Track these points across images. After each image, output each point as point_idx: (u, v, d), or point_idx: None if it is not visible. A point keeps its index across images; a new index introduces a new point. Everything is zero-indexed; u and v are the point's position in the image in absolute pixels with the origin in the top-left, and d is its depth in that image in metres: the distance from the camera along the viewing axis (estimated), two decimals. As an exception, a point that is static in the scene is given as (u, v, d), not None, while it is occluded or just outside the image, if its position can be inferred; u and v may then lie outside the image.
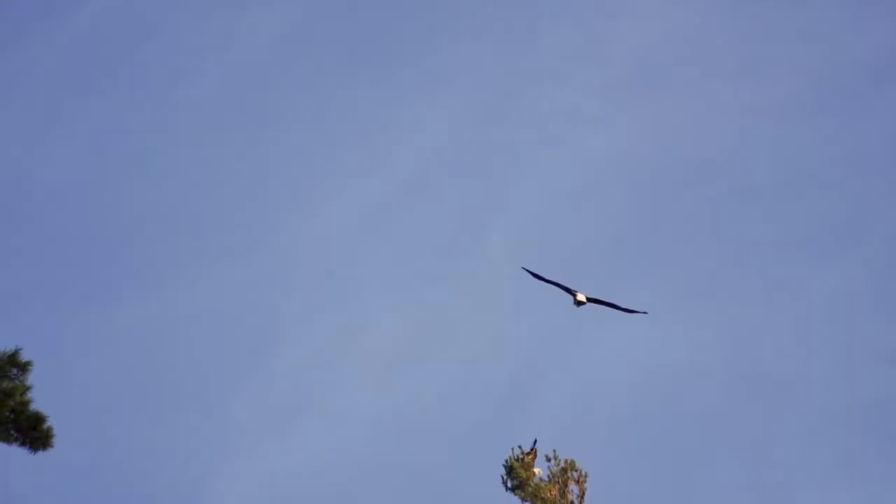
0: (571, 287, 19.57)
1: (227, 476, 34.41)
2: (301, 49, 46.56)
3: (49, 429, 17.37)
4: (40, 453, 17.45)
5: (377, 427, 36.23)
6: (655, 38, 47.20)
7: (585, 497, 18.93)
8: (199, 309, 40.68)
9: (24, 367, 17.29)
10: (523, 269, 19.39)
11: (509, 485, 18.96)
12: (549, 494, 18.73)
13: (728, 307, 41.85)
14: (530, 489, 18.77)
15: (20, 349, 17.23)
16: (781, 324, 40.93)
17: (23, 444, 17.30)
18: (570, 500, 18.82)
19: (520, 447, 19.20)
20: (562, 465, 19.13)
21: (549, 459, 19.24)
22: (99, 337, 38.61)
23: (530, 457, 19.07)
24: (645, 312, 19.58)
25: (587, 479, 19.01)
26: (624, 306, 19.57)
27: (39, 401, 17.29)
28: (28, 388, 17.27)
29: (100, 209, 43.11)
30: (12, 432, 17.23)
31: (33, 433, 17.27)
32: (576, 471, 19.07)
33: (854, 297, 41.32)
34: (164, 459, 34.40)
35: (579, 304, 19.40)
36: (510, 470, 18.93)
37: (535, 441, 19.12)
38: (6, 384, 17.12)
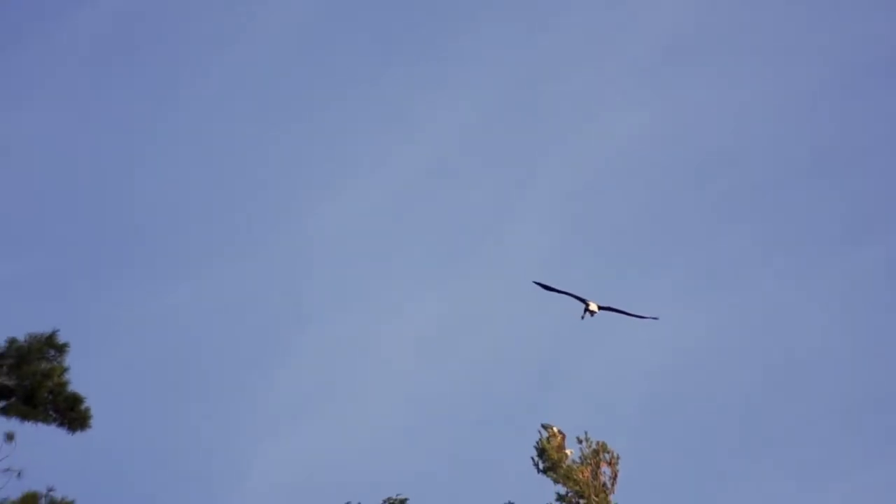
0: (583, 297, 19.56)
1: (259, 461, 34.76)
2: (324, 34, 46.74)
3: (87, 409, 17.66)
4: (78, 434, 17.72)
5: (408, 411, 36.41)
6: (678, 24, 46.93)
7: (617, 479, 18.90)
8: (232, 295, 41.11)
9: (61, 349, 17.57)
10: (535, 283, 19.41)
11: (541, 467, 18.95)
12: (581, 476, 18.71)
13: (758, 292, 41.63)
14: (562, 471, 18.76)
15: (57, 331, 17.51)
16: (811, 308, 40.62)
17: (61, 424, 17.58)
18: (602, 482, 18.79)
19: (550, 426, 19.20)
20: (593, 447, 19.10)
21: (580, 441, 19.21)
22: (134, 321, 39.13)
23: (558, 439, 19.06)
24: (655, 318, 19.58)
25: (619, 461, 18.97)
26: (636, 313, 19.59)
27: (77, 383, 17.58)
28: (66, 370, 17.55)
29: (138, 196, 43.59)
30: (51, 413, 17.50)
31: (71, 414, 17.55)
32: (608, 452, 19.04)
33: (884, 281, 40.91)
34: (199, 444, 34.80)
35: (592, 313, 19.42)
36: (542, 452, 18.93)
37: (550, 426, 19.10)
38: (44, 365, 17.40)
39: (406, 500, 16.83)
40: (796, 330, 40.02)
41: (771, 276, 41.99)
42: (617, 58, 46.88)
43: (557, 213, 44.23)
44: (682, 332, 39.57)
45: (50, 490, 17.10)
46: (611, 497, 18.69)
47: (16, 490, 16.87)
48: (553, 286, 19.40)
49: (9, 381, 17.26)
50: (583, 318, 19.37)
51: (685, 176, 45.05)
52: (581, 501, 18.58)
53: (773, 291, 41.52)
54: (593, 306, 19.42)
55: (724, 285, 41.84)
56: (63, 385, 17.51)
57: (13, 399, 17.36)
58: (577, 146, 45.77)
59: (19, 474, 16.96)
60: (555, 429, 19.03)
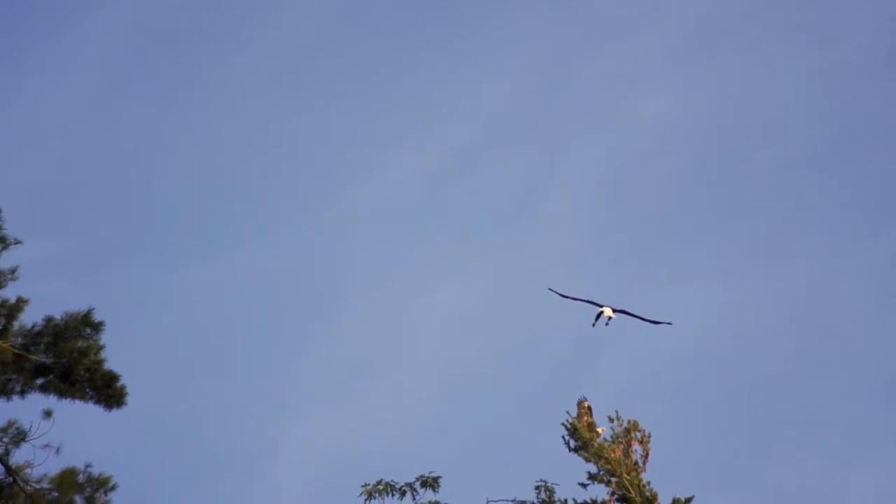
0: (598, 302, 19.37)
1: (293, 438, 35.13)
2: (356, 13, 46.84)
3: (122, 387, 18.02)
4: (114, 411, 18.06)
5: (441, 390, 36.50)
6: (709, 2, 46.19)
7: (649, 458, 18.70)
8: (266, 275, 41.54)
9: (96, 327, 17.94)
10: (549, 289, 19.27)
11: (572, 445, 18.84)
12: (612, 455, 18.55)
13: (791, 270, 40.93)
14: (594, 450, 18.62)
15: (93, 309, 17.88)
16: (844, 287, 39.78)
17: (98, 402, 17.93)
18: (633, 461, 18.60)
19: (582, 402, 19.07)
20: (625, 425, 18.92)
21: (611, 420, 19.04)
22: (168, 299, 39.79)
23: (586, 418, 18.91)
24: (669, 323, 19.33)
25: (651, 439, 18.77)
26: (650, 318, 19.41)
27: (112, 360, 17.91)
28: (101, 348, 17.92)
29: (174, 174, 44.22)
30: (87, 390, 17.85)
31: (107, 391, 17.90)
32: (639, 431, 18.82)
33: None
34: (232, 421, 35.27)
35: (608, 319, 19.24)
36: (573, 431, 18.82)
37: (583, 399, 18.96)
38: (80, 343, 17.76)
39: (439, 478, 16.86)
40: (829, 308, 39.28)
41: (804, 254, 41.27)
42: (647, 38, 46.31)
43: (590, 193, 43.93)
44: (714, 310, 39.17)
45: (87, 466, 17.47)
46: (642, 475, 18.50)
47: (55, 466, 17.27)
48: (567, 294, 19.26)
49: (46, 359, 17.70)
50: (594, 325, 19.19)
51: (718, 155, 44.43)
52: (613, 479, 18.42)
53: (806, 269, 40.83)
54: (608, 311, 19.23)
55: (756, 263, 41.22)
56: (99, 363, 17.89)
57: (51, 377, 17.79)
58: (609, 126, 45.36)
59: (58, 451, 17.34)
60: (585, 404, 18.90)
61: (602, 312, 19.18)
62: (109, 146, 44.50)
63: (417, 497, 16.40)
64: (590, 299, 19.23)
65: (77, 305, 18.00)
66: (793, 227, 41.99)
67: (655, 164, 44.09)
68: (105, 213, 43.00)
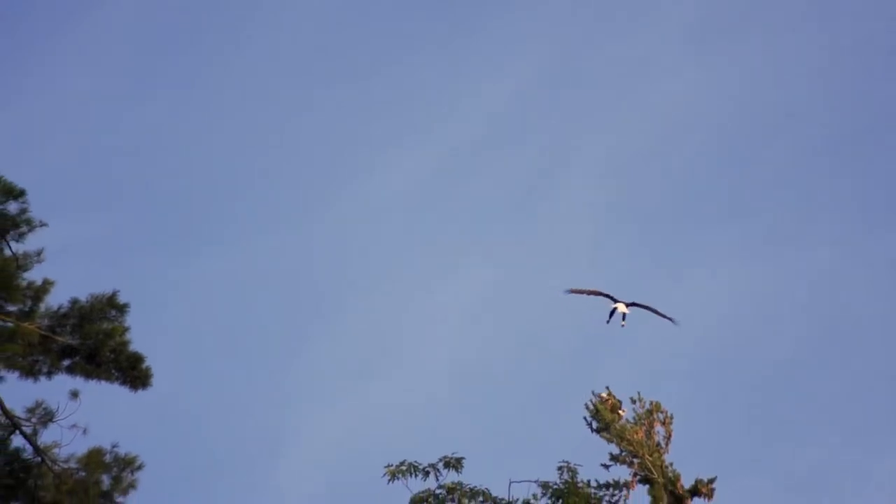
0: (613, 296, 19.40)
1: (300, 433, 35.31)
2: (360, 13, 46.79)
3: (148, 368, 18.18)
4: (140, 392, 18.21)
5: (458, 375, 36.62)
6: None
7: (671, 439, 18.75)
8: (270, 271, 41.68)
9: (121, 310, 18.08)
10: (568, 291, 19.31)
11: (594, 427, 18.89)
12: (634, 436, 18.60)
13: (812, 253, 40.83)
14: (616, 431, 18.68)
15: (118, 292, 18.01)
16: (859, 272, 39.66)
17: (123, 383, 18.08)
18: (656, 442, 18.65)
19: (607, 389, 19.13)
20: (647, 406, 18.97)
21: (633, 402, 19.09)
22: (171, 297, 39.97)
23: (610, 402, 18.98)
24: (674, 321, 19.40)
25: (673, 420, 18.81)
26: (661, 311, 19.42)
27: (137, 343, 18.05)
28: (126, 329, 18.04)
29: (181, 170, 44.39)
30: (113, 371, 18.00)
31: (133, 372, 18.05)
32: (661, 412, 18.87)
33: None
34: (249, 406, 35.48)
35: (623, 315, 19.26)
36: (595, 413, 18.87)
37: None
38: (106, 325, 17.90)
39: (462, 458, 16.93)
40: (841, 296, 39.18)
41: (816, 242, 41.15)
42: (654, 29, 46.09)
43: (607, 178, 43.87)
44: (726, 298, 39.13)
45: (114, 446, 17.63)
46: (664, 456, 18.55)
47: (82, 446, 17.43)
48: (583, 289, 19.28)
49: (72, 341, 17.85)
50: (608, 321, 19.23)
51: (736, 139, 44.26)
52: (635, 461, 18.48)
53: (818, 258, 40.71)
54: (622, 307, 19.25)
55: (768, 252, 41.14)
56: (124, 344, 18.04)
57: (77, 358, 17.94)
58: (616, 118, 45.26)
59: (85, 431, 17.50)
60: (607, 395, 18.94)
61: (616, 309, 19.22)
62: (126, 136, 44.74)
63: (440, 478, 16.47)
64: (605, 292, 19.26)
65: (102, 289, 18.14)
66: (805, 216, 41.88)
67: (664, 154, 44.00)
68: (128, 201, 43.23)
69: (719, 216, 42.36)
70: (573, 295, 19.33)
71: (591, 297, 19.45)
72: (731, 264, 40.64)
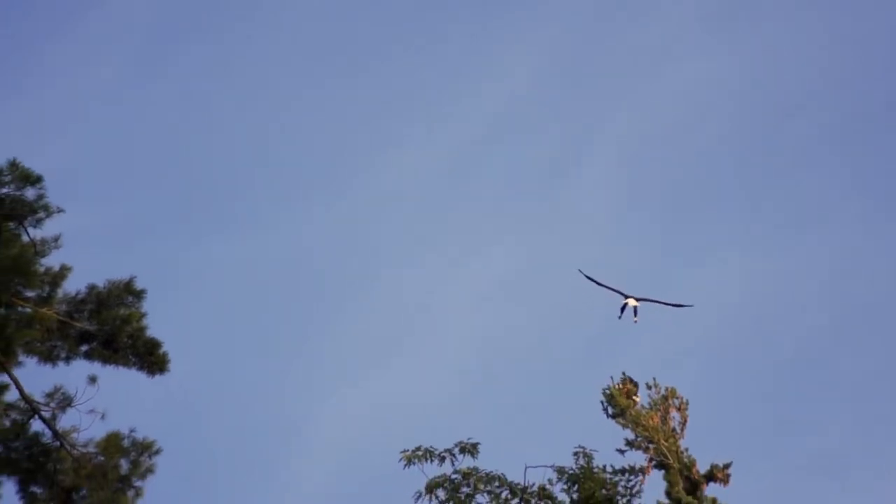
0: (624, 292, 19.39)
1: (327, 408, 35.48)
2: None
3: (165, 354, 18.28)
4: (157, 377, 18.32)
5: (477, 361, 36.70)
6: None
7: (687, 424, 18.79)
8: (299, 246, 41.79)
9: (138, 295, 18.19)
10: (580, 271, 19.31)
11: (610, 412, 18.94)
12: (650, 422, 18.65)
13: (831, 237, 40.74)
14: (631, 416, 18.72)
15: (134, 278, 18.11)
16: (882, 255, 39.53)
17: (140, 368, 18.19)
18: (671, 427, 18.70)
19: (623, 374, 19.17)
20: (663, 392, 19.01)
21: (649, 388, 19.13)
22: (199, 274, 40.15)
23: (628, 386, 19.01)
24: (691, 306, 19.32)
25: (688, 406, 18.85)
26: (672, 302, 19.39)
27: (154, 329, 18.15)
28: (143, 315, 18.15)
29: (217, 146, 44.49)
30: (130, 357, 18.11)
31: (150, 358, 18.15)
32: (677, 398, 18.92)
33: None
34: (266, 391, 35.65)
35: (634, 308, 19.26)
36: (610, 398, 18.92)
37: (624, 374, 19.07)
38: (123, 311, 18.01)
39: (478, 444, 16.99)
40: (863, 279, 39.11)
41: (844, 222, 41.05)
42: (679, 7, 45.89)
43: (628, 161, 43.81)
44: (747, 281, 39.12)
45: (132, 431, 17.76)
46: (680, 442, 18.59)
47: (100, 430, 17.56)
48: (598, 280, 19.28)
49: (90, 326, 17.96)
50: (620, 317, 19.22)
51: (757, 122, 44.11)
52: (650, 446, 18.52)
53: (840, 240, 40.61)
54: (632, 302, 19.26)
55: (797, 230, 41.07)
56: (141, 330, 18.14)
57: (95, 343, 18.06)
58: (643, 96, 45.15)
59: (103, 416, 17.62)
60: (623, 380, 18.98)
61: (626, 304, 19.24)
62: (143, 118, 44.82)
63: (456, 463, 16.53)
64: (616, 288, 19.27)
65: (119, 275, 18.25)
66: (822, 201, 41.74)
67: (682, 139, 43.89)
68: (147, 185, 43.40)
69: (736, 201, 42.31)
70: (586, 279, 19.32)
71: (604, 289, 19.45)
72: (749, 249, 40.59)
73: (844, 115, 43.65)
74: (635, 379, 19.25)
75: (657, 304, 19.34)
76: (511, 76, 45.66)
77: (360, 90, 45.54)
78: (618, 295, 19.45)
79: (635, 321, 19.38)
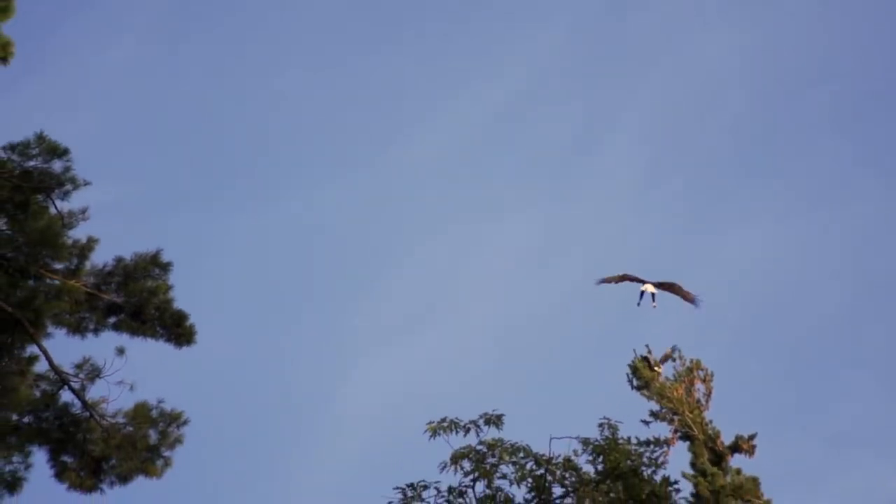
0: (641, 278, 19.34)
1: (357, 382, 35.67)
2: None
3: (192, 326, 18.46)
4: (185, 349, 18.50)
5: (503, 333, 36.78)
6: None
7: (712, 396, 18.82)
8: (327, 216, 41.90)
9: (165, 268, 18.35)
10: (596, 283, 19.30)
11: (634, 384, 19.00)
12: (674, 394, 18.70)
13: (851, 209, 40.51)
14: (656, 389, 18.77)
15: (161, 250, 18.27)
16: None
17: (168, 340, 18.37)
18: (696, 399, 18.74)
19: (647, 347, 19.20)
20: (687, 364, 19.04)
21: (674, 359, 19.17)
22: (233, 241, 40.33)
23: (658, 366, 19.05)
24: (701, 301, 19.23)
25: (713, 378, 18.88)
26: (686, 290, 19.31)
27: (181, 300, 18.32)
28: (170, 288, 18.32)
29: (244, 118, 44.56)
30: (158, 329, 18.30)
31: (177, 330, 18.33)
32: (702, 370, 18.94)
33: None
34: (294, 364, 35.89)
35: (653, 295, 19.21)
36: (635, 370, 18.98)
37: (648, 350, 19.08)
38: (150, 283, 18.17)
39: (503, 415, 17.09)
40: (889, 249, 38.89)
41: (870, 192, 40.81)
42: None
43: (652, 134, 43.65)
44: (773, 251, 38.98)
45: (160, 402, 17.96)
46: (704, 414, 18.64)
47: (129, 402, 17.77)
48: (611, 278, 19.26)
49: (117, 298, 18.15)
50: (639, 304, 19.20)
51: (780, 93, 43.79)
52: (675, 418, 18.58)
53: (872, 208, 40.38)
54: (650, 288, 19.22)
55: (816, 204, 40.88)
56: (168, 302, 18.31)
57: (122, 315, 18.25)
58: (668, 68, 44.89)
59: (132, 387, 17.83)
60: (650, 358, 19.02)
61: (644, 291, 19.22)
62: (169, 90, 44.94)
63: (481, 434, 16.64)
64: (631, 276, 19.25)
65: (147, 248, 18.41)
66: (847, 172, 41.48)
67: (718, 103, 43.64)
68: (170, 157, 43.59)
69: (761, 173, 42.09)
70: (601, 284, 19.36)
71: (621, 282, 19.47)
72: (773, 222, 40.44)
73: (869, 85, 43.31)
74: (660, 351, 19.30)
75: (674, 294, 19.32)
76: (534, 52, 45.54)
77: (387, 63, 45.50)
78: (636, 283, 19.45)
79: (654, 306, 19.38)
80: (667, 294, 19.47)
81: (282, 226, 42.05)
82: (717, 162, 42.76)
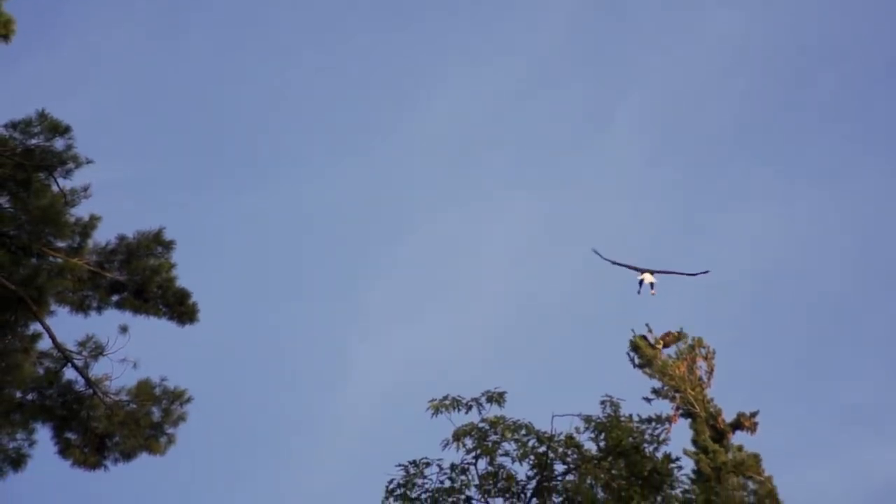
0: (639, 267, 19.29)
1: (361, 360, 35.78)
2: None
3: (194, 304, 18.50)
4: (187, 327, 18.53)
5: (508, 312, 36.85)
6: None
7: (713, 373, 18.88)
8: (333, 197, 41.96)
9: (168, 246, 18.36)
10: (594, 251, 19.23)
11: (636, 363, 19.06)
12: (676, 371, 18.76)
13: (857, 189, 40.50)
14: (658, 366, 18.83)
15: (164, 229, 18.28)
16: None
17: (171, 318, 18.40)
18: (698, 376, 18.81)
19: (646, 327, 19.24)
20: (690, 342, 19.09)
21: (677, 339, 19.22)
22: (237, 221, 40.35)
23: (660, 343, 19.09)
24: (706, 272, 19.14)
25: (715, 355, 18.93)
26: (687, 272, 19.26)
27: (188, 282, 18.35)
28: (173, 266, 18.33)
29: (249, 97, 44.55)
30: (161, 307, 18.32)
31: (180, 308, 18.36)
32: (703, 347, 19.00)
33: None
34: (299, 343, 35.98)
35: (651, 284, 19.15)
36: (636, 348, 19.04)
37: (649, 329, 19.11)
38: (153, 262, 18.18)
39: (505, 393, 17.13)
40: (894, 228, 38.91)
41: (878, 171, 40.76)
42: None
43: (657, 114, 43.60)
44: (779, 230, 38.99)
45: (163, 379, 18.01)
46: (706, 391, 18.70)
47: (132, 379, 17.83)
48: (610, 258, 19.23)
49: (120, 277, 18.16)
50: (639, 292, 19.16)
51: (784, 75, 43.71)
52: (677, 395, 18.65)
53: (878, 187, 40.37)
54: (648, 277, 19.17)
55: (822, 182, 40.86)
56: (171, 280, 18.34)
57: (125, 293, 18.27)
58: (671, 49, 44.79)
59: (135, 364, 17.87)
60: (652, 337, 19.05)
61: (643, 280, 19.21)
62: (172, 72, 44.88)
63: (483, 412, 16.67)
64: (630, 264, 19.24)
65: (145, 226, 18.42)
66: (850, 152, 41.43)
67: (723, 82, 43.55)
68: (174, 139, 43.58)
69: (764, 154, 42.05)
70: (605, 262, 19.33)
71: (620, 267, 19.44)
72: (779, 200, 40.44)
73: (871, 68, 43.19)
74: (662, 330, 19.35)
75: (674, 275, 19.32)
76: (536, 37, 45.42)
77: (389, 48, 45.41)
78: (634, 271, 19.44)
79: (653, 294, 19.37)
80: (667, 276, 19.47)
81: (285, 207, 42.11)
82: (720, 143, 42.72)
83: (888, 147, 41.37)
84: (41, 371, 17.52)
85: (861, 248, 38.62)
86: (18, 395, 17.35)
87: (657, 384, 18.82)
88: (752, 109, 43.20)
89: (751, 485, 17.38)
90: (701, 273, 19.02)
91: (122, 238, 18.26)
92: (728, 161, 42.11)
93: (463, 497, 15.95)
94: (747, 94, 43.45)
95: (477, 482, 16.07)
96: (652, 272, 19.32)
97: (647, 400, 18.45)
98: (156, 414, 17.67)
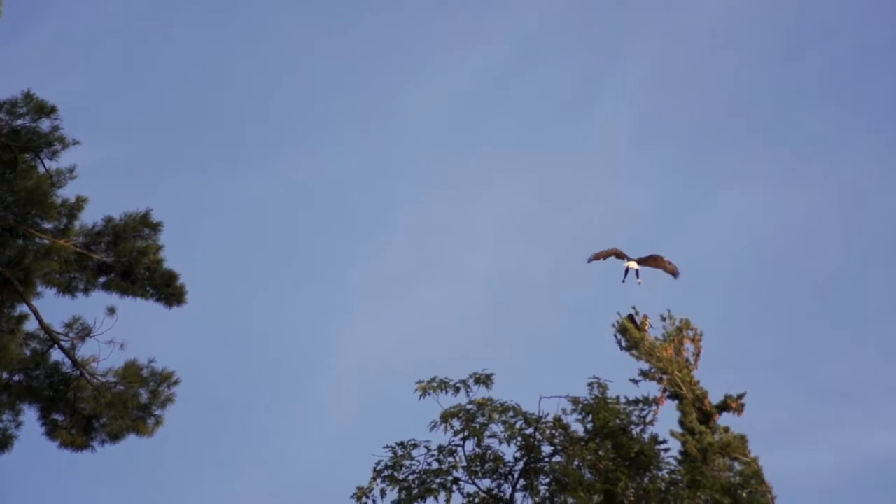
0: (625, 254, 19.26)
1: (346, 341, 35.83)
2: None
3: (182, 286, 18.49)
4: (175, 309, 18.54)
5: (495, 293, 36.93)
6: None
7: (701, 355, 18.94)
8: (318, 177, 41.90)
9: (155, 228, 18.33)
10: (588, 261, 19.19)
11: (623, 345, 19.09)
12: (664, 353, 18.80)
13: (847, 168, 40.61)
14: (645, 348, 18.87)
15: (151, 210, 18.25)
16: None
17: (158, 300, 18.39)
18: (685, 358, 18.86)
19: (634, 308, 19.27)
20: (677, 324, 19.12)
21: (663, 319, 19.25)
22: (225, 201, 40.28)
23: (647, 323, 19.13)
24: (676, 275, 19.09)
25: (702, 337, 18.97)
26: (669, 261, 19.23)
27: (172, 260, 18.33)
28: (160, 248, 18.32)
29: (236, 79, 44.37)
30: (148, 289, 18.31)
31: (167, 290, 18.35)
32: (691, 329, 19.04)
33: None
34: (286, 323, 35.99)
35: (637, 272, 19.11)
36: (623, 330, 19.06)
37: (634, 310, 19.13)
38: (140, 243, 18.17)
39: (492, 375, 17.18)
40: (883, 209, 39.04)
41: (867, 151, 40.86)
42: None
43: (645, 94, 43.57)
44: (766, 210, 39.10)
45: (150, 361, 18.02)
46: (693, 373, 18.76)
47: (119, 360, 17.84)
48: (600, 254, 19.19)
49: (107, 258, 18.14)
50: (624, 281, 19.15)
51: (773, 54, 43.71)
52: (664, 377, 18.70)
53: (868, 167, 40.49)
54: (633, 265, 19.13)
55: (817, 160, 40.94)
56: (158, 262, 18.33)
57: (112, 275, 18.25)
58: (661, 29, 44.75)
59: (122, 346, 17.88)
60: (641, 316, 19.07)
61: (628, 268, 19.17)
62: (159, 60, 44.69)
63: (470, 394, 16.73)
64: (617, 252, 19.20)
65: (133, 208, 18.39)
66: (841, 131, 41.49)
67: (714, 61, 43.54)
68: (163, 120, 43.39)
69: (755, 133, 42.10)
70: (595, 262, 19.32)
71: (609, 258, 19.42)
72: (768, 181, 40.53)
73: (865, 45, 43.20)
74: (651, 311, 19.38)
75: (656, 268, 19.26)
76: (525, 13, 45.28)
77: (377, 22, 45.25)
78: (621, 259, 19.40)
79: (639, 282, 19.38)
80: (650, 269, 19.45)
81: (274, 186, 42.02)
82: (711, 122, 42.76)
83: (880, 124, 41.43)
84: (28, 352, 17.51)
85: (852, 226, 38.76)
86: (5, 376, 17.35)
87: (644, 366, 18.87)
88: (742, 88, 43.20)
89: (737, 466, 17.47)
90: (678, 274, 19.04)
91: (108, 220, 18.24)
92: (718, 139, 42.15)
93: (450, 478, 16.01)
94: (738, 72, 43.45)
95: (464, 464, 16.13)
96: (638, 261, 19.31)
97: (635, 382, 18.50)
98: (143, 396, 17.69)
